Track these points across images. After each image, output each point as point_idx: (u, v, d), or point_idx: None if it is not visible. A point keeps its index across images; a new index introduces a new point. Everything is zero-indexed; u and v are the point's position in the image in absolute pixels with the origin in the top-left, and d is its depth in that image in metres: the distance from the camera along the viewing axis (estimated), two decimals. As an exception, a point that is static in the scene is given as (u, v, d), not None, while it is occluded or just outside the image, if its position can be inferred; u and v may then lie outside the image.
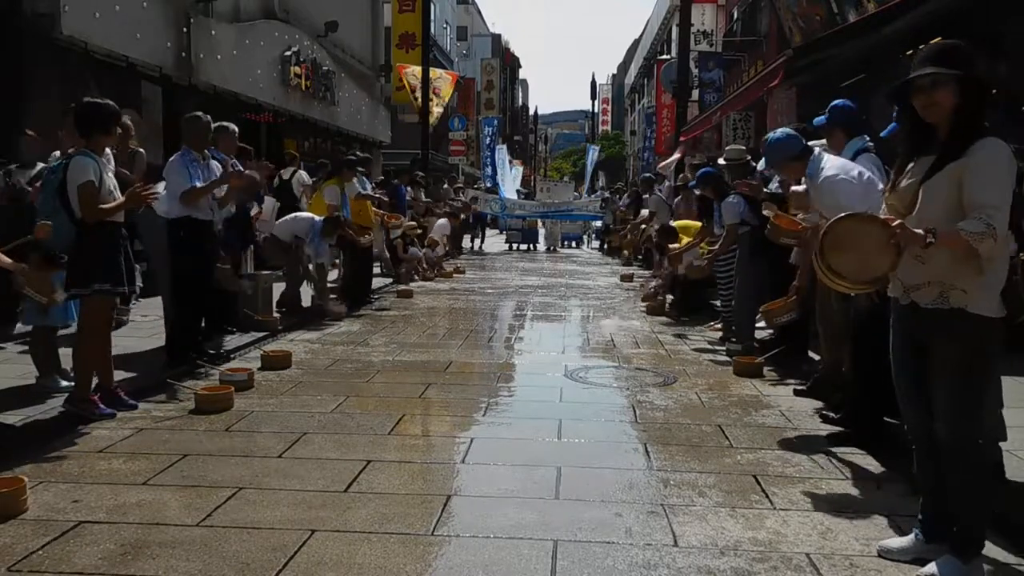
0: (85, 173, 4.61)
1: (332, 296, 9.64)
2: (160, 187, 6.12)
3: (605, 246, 22.38)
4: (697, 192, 8.68)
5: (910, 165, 2.99)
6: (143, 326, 7.28)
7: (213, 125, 6.51)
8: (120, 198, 4.82)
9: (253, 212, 7.98)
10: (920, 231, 2.72)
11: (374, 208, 10.60)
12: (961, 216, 2.74)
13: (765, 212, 5.48)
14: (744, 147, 6.98)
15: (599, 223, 23.12)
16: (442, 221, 15.47)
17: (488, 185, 25.04)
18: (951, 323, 2.82)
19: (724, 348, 7.34)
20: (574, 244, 24.03)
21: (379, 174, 17.44)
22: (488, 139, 27.15)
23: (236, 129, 7.26)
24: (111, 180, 4.81)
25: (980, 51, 2.91)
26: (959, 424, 2.86)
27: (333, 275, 10.38)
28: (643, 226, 12.76)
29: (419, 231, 13.76)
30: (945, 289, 2.82)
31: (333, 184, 9.46)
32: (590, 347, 7.80)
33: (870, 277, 2.93)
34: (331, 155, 16.99)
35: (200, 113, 6.25)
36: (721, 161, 7.74)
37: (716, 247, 7.87)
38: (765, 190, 6.62)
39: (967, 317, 2.80)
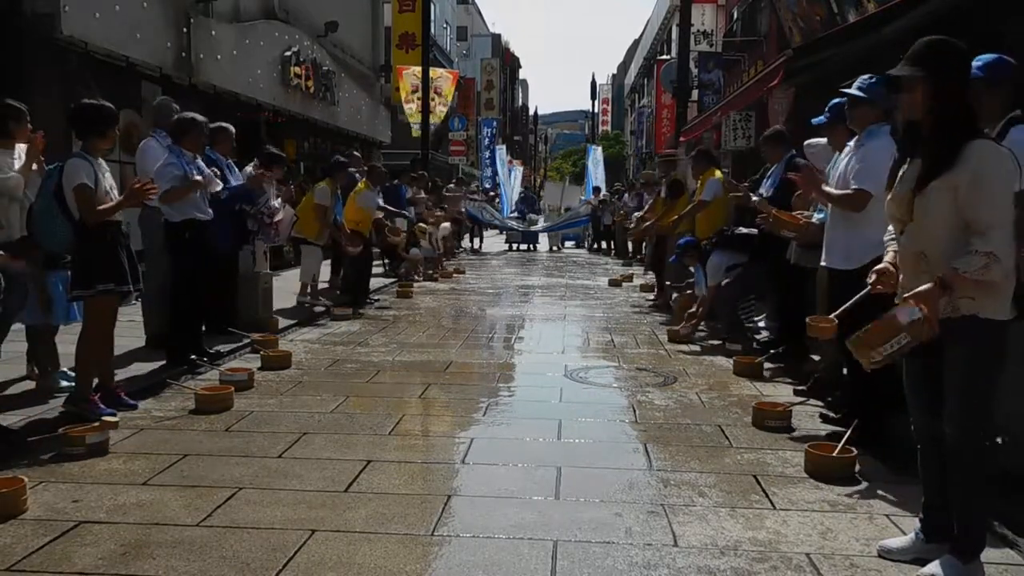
0: (79, 175, 4.60)
1: (329, 301, 9.65)
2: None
3: (595, 246, 22.44)
4: (675, 262, 8.72)
5: (903, 167, 2.98)
6: (143, 326, 7.27)
7: (211, 126, 6.53)
8: (117, 197, 4.82)
9: (277, 218, 7.96)
10: (932, 290, 2.71)
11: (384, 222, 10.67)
12: (961, 227, 2.73)
13: (761, 211, 5.52)
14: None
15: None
16: (445, 224, 15.53)
17: (488, 186, 25.02)
18: (962, 330, 2.81)
19: (725, 348, 7.35)
20: (574, 244, 24.06)
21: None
22: (487, 140, 27.14)
23: (233, 130, 7.29)
24: (107, 181, 4.80)
25: (966, 49, 2.87)
26: (967, 426, 2.85)
27: (327, 275, 10.40)
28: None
29: (425, 227, 13.82)
30: (953, 299, 2.79)
31: (325, 185, 9.46)
32: (590, 347, 7.80)
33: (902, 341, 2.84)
34: (333, 156, 17.06)
35: (196, 115, 6.24)
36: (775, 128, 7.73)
37: (699, 311, 7.92)
38: (754, 197, 6.67)
39: (978, 323, 2.78)
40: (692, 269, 8.55)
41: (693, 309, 8.11)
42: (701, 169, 8.96)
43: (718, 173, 8.58)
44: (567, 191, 26.49)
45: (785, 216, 5.38)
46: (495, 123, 32.30)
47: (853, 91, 4.50)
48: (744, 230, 7.45)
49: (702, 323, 8.17)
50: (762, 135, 7.16)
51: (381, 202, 10.76)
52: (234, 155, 7.65)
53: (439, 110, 22.19)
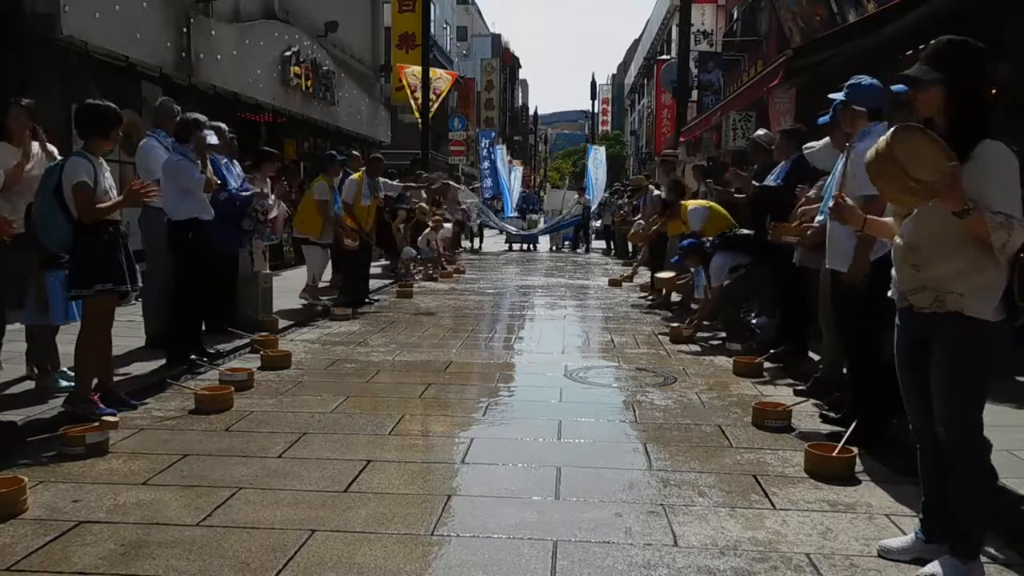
0: (79, 174, 4.61)
1: (329, 300, 9.66)
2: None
3: (578, 246, 22.42)
4: (677, 263, 8.71)
5: None
6: (143, 326, 7.27)
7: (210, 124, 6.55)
8: (116, 197, 4.83)
9: (272, 215, 7.98)
10: (959, 198, 2.66)
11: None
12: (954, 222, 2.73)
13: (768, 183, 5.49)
14: (776, 136, 6.94)
15: (598, 223, 23.16)
16: (446, 225, 15.53)
17: (488, 196, 24.96)
18: (948, 327, 2.82)
19: (725, 348, 7.35)
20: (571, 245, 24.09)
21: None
22: (485, 150, 26.87)
23: (225, 128, 7.33)
24: (107, 180, 4.80)
25: (984, 50, 2.88)
26: (958, 425, 2.86)
27: (328, 275, 10.38)
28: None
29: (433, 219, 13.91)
30: (941, 293, 2.81)
31: (321, 180, 9.48)
32: (590, 347, 7.81)
33: (915, 178, 2.70)
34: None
35: (199, 116, 6.26)
36: (756, 134, 7.73)
37: (700, 311, 7.97)
38: (755, 183, 6.68)
39: (963, 320, 2.79)
40: (692, 270, 8.57)
41: (691, 319, 8.13)
42: (675, 211, 9.08)
43: (690, 204, 8.73)
44: (568, 196, 26.51)
45: (784, 226, 5.38)
46: (493, 134, 31.89)
47: (838, 96, 4.54)
48: (746, 231, 7.46)
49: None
50: (779, 129, 7.16)
51: (383, 192, 10.79)
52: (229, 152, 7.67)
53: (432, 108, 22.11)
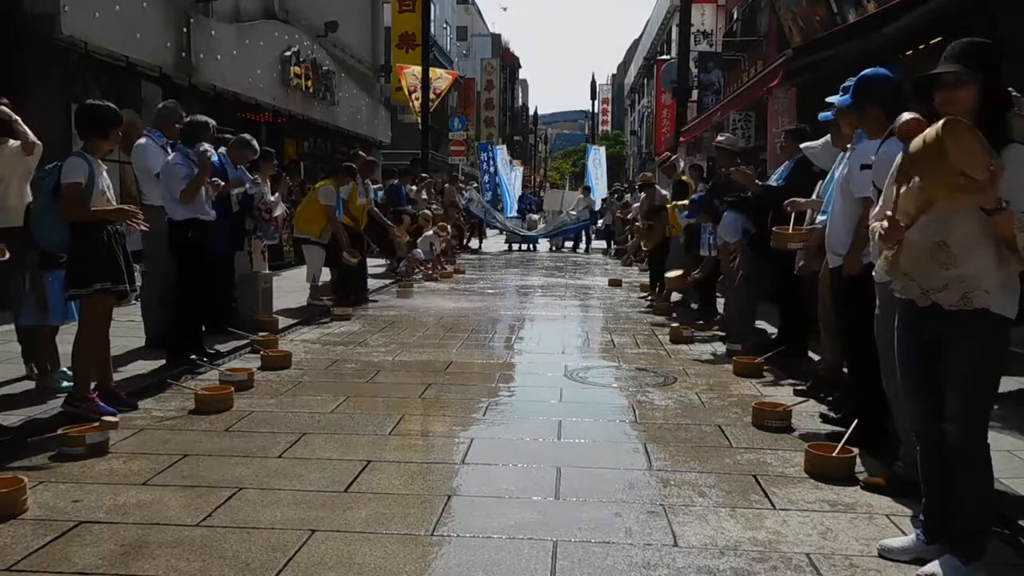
0: (74, 174, 4.62)
1: (328, 298, 9.66)
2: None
3: (576, 247, 22.44)
4: (688, 218, 8.68)
5: None
6: (143, 326, 7.27)
7: (243, 137, 6.67)
8: (112, 203, 4.84)
9: (276, 213, 7.99)
10: (997, 195, 2.65)
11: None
12: (986, 219, 2.73)
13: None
14: (739, 138, 7.05)
15: (600, 223, 23.14)
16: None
17: (489, 199, 24.96)
18: (972, 323, 2.82)
19: (724, 348, 7.34)
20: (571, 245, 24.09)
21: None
22: (485, 163, 26.76)
23: (256, 147, 7.37)
24: (104, 181, 4.80)
25: (1001, 51, 2.90)
26: (970, 425, 2.86)
27: (327, 275, 10.39)
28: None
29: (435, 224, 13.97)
30: (968, 289, 2.80)
31: (328, 184, 9.45)
32: (590, 347, 7.80)
33: (965, 174, 2.65)
34: (333, 155, 17.19)
35: (209, 119, 6.30)
36: (718, 140, 7.81)
37: (725, 273, 7.93)
38: (758, 182, 6.68)
39: (989, 317, 2.80)
40: (696, 269, 8.57)
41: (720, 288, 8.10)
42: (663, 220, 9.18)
43: (678, 204, 8.87)
44: (567, 196, 26.53)
45: (785, 232, 5.36)
46: (489, 144, 31.68)
47: (833, 100, 4.54)
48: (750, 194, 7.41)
49: (700, 321, 8.18)
50: (784, 129, 7.19)
51: (380, 195, 10.84)
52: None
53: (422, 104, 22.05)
